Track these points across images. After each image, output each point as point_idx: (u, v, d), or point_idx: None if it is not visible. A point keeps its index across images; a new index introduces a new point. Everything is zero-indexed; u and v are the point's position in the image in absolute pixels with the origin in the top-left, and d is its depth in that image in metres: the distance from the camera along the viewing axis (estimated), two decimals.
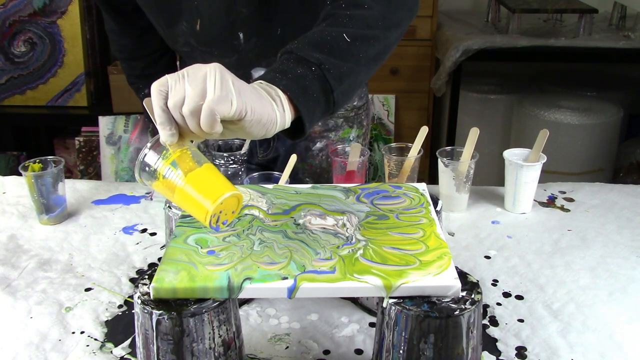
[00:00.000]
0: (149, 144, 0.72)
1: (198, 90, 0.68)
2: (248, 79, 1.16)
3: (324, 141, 1.29)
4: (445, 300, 0.68)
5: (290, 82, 0.78)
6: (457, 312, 0.66)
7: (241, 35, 1.09)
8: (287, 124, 0.78)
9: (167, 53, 1.32)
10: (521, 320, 0.90)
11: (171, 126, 0.70)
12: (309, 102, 0.79)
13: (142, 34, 1.26)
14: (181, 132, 0.71)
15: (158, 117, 0.70)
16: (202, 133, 0.70)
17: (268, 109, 0.74)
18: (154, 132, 2.50)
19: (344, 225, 0.81)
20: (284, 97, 0.77)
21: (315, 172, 1.30)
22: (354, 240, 0.77)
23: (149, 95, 1.41)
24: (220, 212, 0.71)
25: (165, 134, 0.70)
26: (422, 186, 0.92)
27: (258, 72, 1.14)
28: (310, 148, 1.29)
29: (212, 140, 1.32)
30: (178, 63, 1.36)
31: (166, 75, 0.70)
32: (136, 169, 0.73)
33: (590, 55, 2.39)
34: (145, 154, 0.72)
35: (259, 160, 1.32)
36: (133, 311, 0.77)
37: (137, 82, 1.34)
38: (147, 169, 0.72)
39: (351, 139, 1.31)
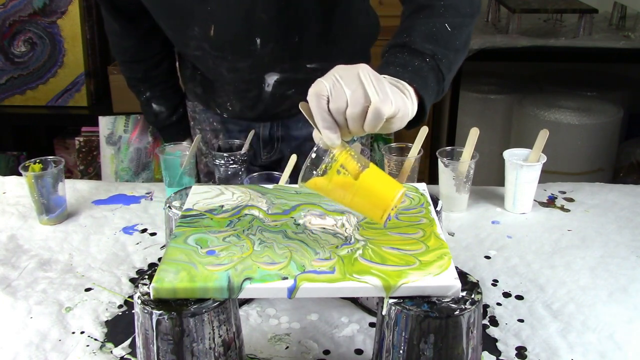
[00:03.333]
0: (315, 148, 0.74)
1: (360, 93, 0.70)
2: (262, 83, 1.17)
3: None
4: (445, 300, 0.68)
5: (413, 75, 0.82)
6: (457, 312, 0.66)
7: (258, 40, 1.09)
8: (413, 116, 0.81)
9: (168, 56, 1.32)
10: (521, 320, 0.90)
11: (336, 129, 0.72)
12: (428, 91, 0.83)
13: (144, 36, 1.25)
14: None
15: (323, 121, 0.71)
16: (360, 132, 0.73)
17: (407, 103, 0.77)
18: (154, 132, 2.50)
19: (343, 225, 0.81)
20: (411, 90, 0.80)
21: None
22: (352, 240, 0.77)
23: (150, 98, 1.41)
24: (392, 208, 0.73)
25: (332, 137, 0.72)
26: (422, 186, 0.92)
27: (271, 77, 1.15)
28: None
29: (214, 142, 1.33)
30: (178, 65, 1.35)
31: (320, 79, 0.72)
32: (303, 173, 0.74)
33: (590, 55, 2.39)
34: (313, 158, 0.74)
35: (262, 162, 1.32)
36: (133, 311, 0.77)
37: (138, 85, 1.33)
38: (314, 172, 0.74)
39: (355, 139, 1.31)
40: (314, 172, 0.73)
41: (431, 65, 0.85)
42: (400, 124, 0.77)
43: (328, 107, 0.71)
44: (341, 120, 0.72)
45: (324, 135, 0.72)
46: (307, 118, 0.73)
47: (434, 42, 0.86)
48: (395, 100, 0.73)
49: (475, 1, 0.94)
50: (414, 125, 0.85)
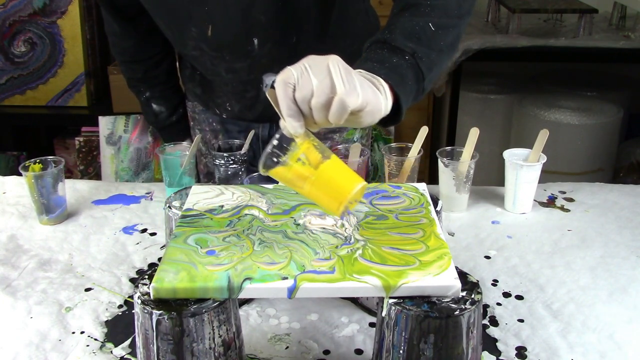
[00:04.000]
0: (277, 135, 0.73)
1: (326, 83, 0.70)
2: (259, 83, 1.16)
3: (329, 142, 1.29)
4: (445, 300, 0.68)
5: (389, 72, 0.81)
6: (457, 312, 0.66)
7: (256, 41, 1.09)
8: (387, 112, 0.80)
9: (168, 56, 1.32)
10: (521, 320, 0.90)
11: (300, 118, 0.72)
12: (405, 89, 0.82)
13: (144, 36, 1.26)
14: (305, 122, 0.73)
15: (287, 109, 0.71)
16: (326, 124, 0.72)
17: (379, 99, 0.77)
18: (154, 132, 2.50)
19: (343, 225, 0.81)
20: (386, 86, 0.79)
21: None
22: (352, 240, 0.77)
23: (150, 98, 1.42)
24: (350, 202, 0.73)
25: (295, 125, 0.72)
26: (422, 186, 0.92)
27: (269, 77, 1.15)
28: None
29: (214, 142, 1.33)
30: (178, 65, 1.35)
31: (289, 67, 0.72)
32: (262, 159, 0.74)
33: (590, 55, 2.39)
34: (274, 145, 0.73)
35: None
36: (133, 311, 0.77)
37: (138, 85, 1.33)
38: (274, 159, 0.73)
39: (355, 139, 1.31)
40: (274, 160, 0.73)
41: (410, 63, 0.84)
42: (371, 118, 0.76)
43: (294, 95, 0.71)
44: (306, 109, 0.71)
45: (287, 123, 0.72)
46: (273, 105, 0.73)
47: (416, 40, 0.86)
48: (364, 94, 0.72)
49: (464, 4, 0.93)
50: (391, 123, 0.84)
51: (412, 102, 0.86)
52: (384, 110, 0.78)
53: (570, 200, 1.26)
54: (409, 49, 0.84)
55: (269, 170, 0.74)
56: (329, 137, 1.29)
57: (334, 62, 0.71)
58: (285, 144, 0.73)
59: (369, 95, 0.74)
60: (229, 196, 0.89)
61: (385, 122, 0.83)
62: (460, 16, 0.92)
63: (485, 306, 0.93)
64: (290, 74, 0.71)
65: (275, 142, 0.73)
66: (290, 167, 0.73)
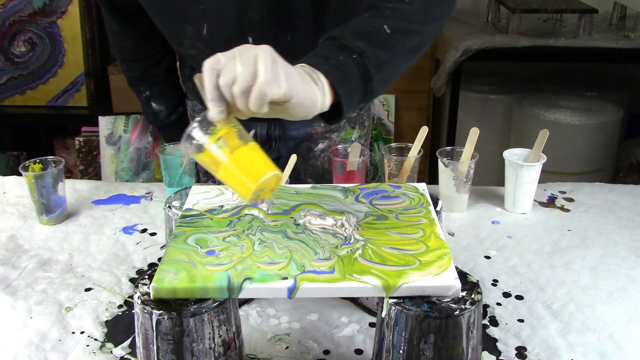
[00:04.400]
0: (198, 118, 0.75)
1: (250, 71, 0.70)
2: None
3: (327, 142, 1.29)
4: (445, 300, 0.68)
5: (332, 68, 0.81)
6: (457, 312, 0.66)
7: (250, 39, 1.09)
8: (326, 108, 0.80)
9: (168, 55, 1.32)
10: (521, 320, 0.90)
11: (221, 103, 0.73)
12: (348, 88, 0.82)
13: (144, 36, 1.26)
14: (229, 109, 0.74)
15: (210, 93, 0.72)
16: (249, 112, 0.73)
17: (311, 92, 0.77)
18: (154, 132, 2.50)
19: (343, 225, 0.81)
20: (325, 82, 0.79)
21: (318, 172, 1.30)
22: (352, 240, 0.77)
23: (150, 97, 1.42)
24: (261, 190, 0.74)
25: (215, 111, 0.73)
26: (422, 186, 0.92)
27: None
28: (313, 149, 1.29)
29: None
30: (178, 64, 1.35)
31: (219, 53, 0.73)
32: (182, 140, 0.75)
33: (590, 55, 2.39)
34: (194, 127, 0.74)
35: None
36: (133, 311, 0.77)
37: (138, 84, 1.34)
38: (193, 142, 0.75)
39: (353, 139, 1.31)
40: (193, 141, 0.75)
41: (357, 62, 0.83)
42: (304, 112, 0.76)
43: (218, 81, 0.72)
44: (228, 95, 0.72)
45: (209, 108, 0.73)
46: (200, 90, 0.74)
47: (367, 40, 0.85)
48: (289, 85, 0.72)
49: (432, 11, 0.92)
50: (334, 120, 0.84)
51: (359, 102, 0.86)
52: (320, 106, 0.79)
53: (570, 200, 1.26)
54: (357, 47, 0.84)
55: (187, 150, 0.76)
56: (327, 137, 1.29)
57: (263, 52, 0.72)
58: (205, 127, 0.74)
59: (297, 88, 0.74)
60: (229, 196, 0.89)
61: (329, 119, 0.84)
62: (426, 22, 0.91)
63: (485, 306, 0.93)
64: (217, 59, 0.72)
65: (195, 124, 0.74)
66: (207, 150, 0.74)
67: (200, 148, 0.74)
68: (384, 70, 0.87)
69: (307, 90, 0.76)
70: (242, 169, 0.73)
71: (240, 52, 0.72)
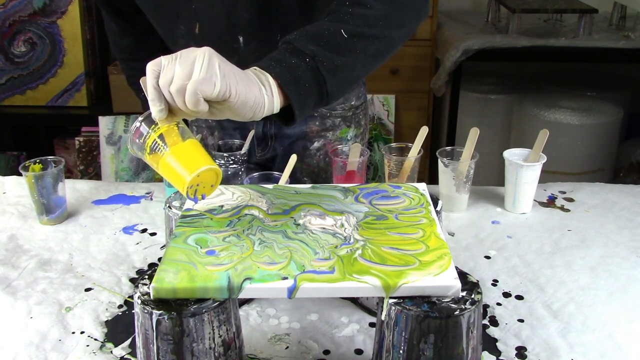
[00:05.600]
0: (140, 118, 0.78)
1: (186, 71, 0.73)
2: None
3: (322, 141, 1.29)
4: (445, 300, 0.68)
5: (282, 71, 0.82)
6: (457, 312, 0.66)
7: (241, 38, 1.09)
8: (276, 109, 0.82)
9: (167, 53, 1.32)
10: (521, 320, 0.90)
11: (160, 102, 0.75)
12: (300, 90, 0.83)
13: (142, 35, 1.26)
14: (172, 109, 0.77)
15: (149, 93, 0.75)
16: (189, 111, 0.75)
17: (254, 92, 0.78)
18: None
19: (342, 225, 0.81)
20: (274, 84, 0.81)
21: (314, 171, 1.30)
22: (352, 240, 0.77)
23: None
24: (198, 184, 0.77)
25: (155, 110, 0.76)
26: (422, 186, 0.92)
27: None
28: (308, 148, 1.29)
29: (211, 140, 1.33)
30: None
31: (161, 56, 0.76)
32: (128, 139, 0.79)
33: (590, 55, 2.39)
34: (137, 127, 0.78)
35: (257, 159, 1.32)
36: (133, 311, 0.78)
37: (137, 83, 1.34)
38: (137, 140, 0.78)
39: (349, 138, 1.31)
40: (136, 140, 0.78)
41: (310, 65, 0.84)
42: (247, 111, 0.78)
43: (157, 81, 0.75)
44: (167, 94, 0.75)
45: (150, 107, 0.76)
46: (144, 91, 0.77)
47: (321, 44, 0.86)
48: (227, 84, 0.74)
49: (395, 16, 0.92)
50: (289, 122, 0.86)
51: (316, 105, 0.87)
52: (268, 107, 0.80)
53: (570, 200, 1.26)
54: (310, 51, 0.85)
55: (132, 149, 0.79)
56: (322, 136, 1.29)
57: (202, 53, 0.74)
58: (147, 125, 0.77)
59: (236, 87, 0.75)
60: (229, 196, 0.89)
61: (285, 120, 0.86)
62: (388, 27, 0.91)
63: (485, 306, 0.93)
64: (159, 62, 0.75)
65: (137, 123, 0.78)
66: (148, 147, 0.77)
67: (142, 146, 0.77)
68: (340, 74, 0.87)
69: (250, 90, 0.77)
70: (179, 162, 0.76)
71: (181, 54, 0.75)
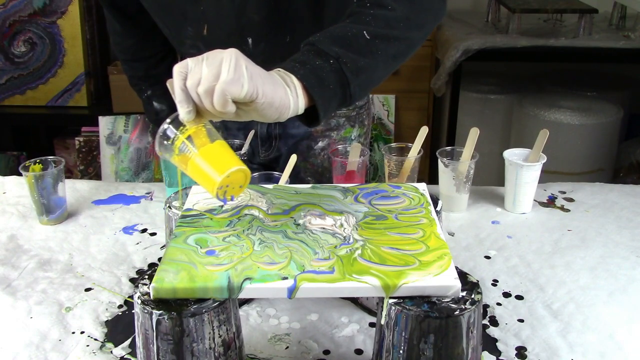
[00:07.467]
0: (168, 120, 0.78)
1: (213, 72, 0.73)
2: None
3: (326, 140, 1.29)
4: (445, 300, 0.68)
5: (307, 72, 0.83)
6: (457, 312, 0.66)
7: (250, 40, 1.09)
8: (301, 110, 0.83)
9: (170, 54, 1.32)
10: (521, 320, 0.90)
11: (188, 104, 0.76)
12: (324, 92, 0.84)
13: (145, 35, 1.26)
14: (199, 110, 0.77)
15: (177, 95, 0.75)
16: (217, 112, 0.75)
17: (280, 94, 0.78)
18: (154, 132, 2.51)
19: (342, 225, 0.81)
20: (299, 85, 0.81)
21: (317, 171, 1.30)
22: (351, 240, 0.77)
23: (151, 96, 1.42)
24: (227, 185, 0.76)
25: (183, 112, 0.76)
26: (422, 186, 0.92)
27: None
28: (312, 147, 1.29)
29: None
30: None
31: (188, 58, 0.76)
32: (156, 141, 0.78)
33: (590, 55, 2.39)
34: (165, 129, 0.77)
35: (261, 159, 1.32)
36: (133, 311, 0.78)
37: (139, 84, 1.34)
38: (165, 142, 0.78)
39: (353, 138, 1.31)
40: (164, 142, 0.78)
41: (334, 67, 0.85)
42: (273, 112, 0.78)
43: (185, 83, 0.75)
44: (195, 96, 0.75)
45: (178, 109, 0.76)
46: (171, 93, 0.77)
47: (345, 45, 0.86)
48: (254, 85, 0.74)
49: (416, 18, 0.92)
50: (313, 123, 0.86)
51: (340, 106, 0.88)
52: (293, 108, 0.81)
53: (570, 200, 1.26)
54: (334, 52, 0.85)
55: (160, 151, 0.79)
56: (327, 135, 1.29)
57: (228, 54, 0.74)
58: (175, 127, 0.77)
59: (263, 89, 0.76)
60: None
61: (309, 122, 0.86)
62: (408, 28, 0.92)
63: (485, 306, 0.93)
64: (185, 64, 0.76)
65: (166, 125, 0.77)
66: (176, 148, 0.77)
67: (170, 147, 0.77)
68: (362, 75, 0.88)
69: (276, 92, 0.78)
70: (208, 164, 0.75)
71: (207, 56, 0.75)
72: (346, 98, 0.87)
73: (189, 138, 0.76)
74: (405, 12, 0.92)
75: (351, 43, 0.87)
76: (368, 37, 0.88)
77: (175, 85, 0.76)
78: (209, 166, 0.75)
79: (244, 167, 0.76)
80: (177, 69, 0.76)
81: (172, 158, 0.78)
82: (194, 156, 0.76)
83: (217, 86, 0.73)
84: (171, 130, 0.77)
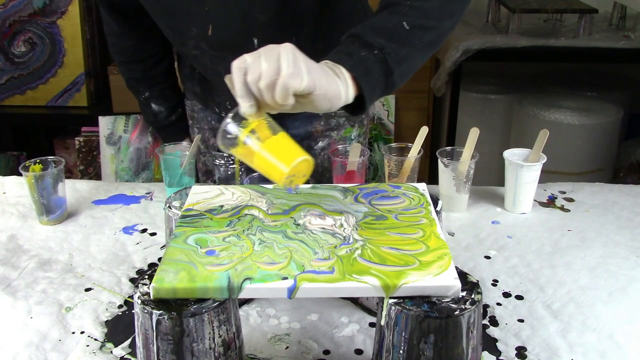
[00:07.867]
0: (230, 114, 0.80)
1: (273, 67, 0.76)
2: None
3: (326, 140, 1.29)
4: (445, 300, 0.68)
5: (354, 63, 0.86)
6: (457, 312, 0.66)
7: (256, 41, 1.09)
8: (350, 100, 0.86)
9: (167, 55, 1.32)
10: (521, 320, 0.90)
11: (250, 98, 0.79)
12: (370, 81, 0.87)
13: (143, 36, 1.26)
14: (258, 104, 0.80)
15: (239, 90, 0.78)
16: (276, 105, 0.78)
17: (334, 85, 0.82)
18: (154, 132, 2.51)
19: (342, 225, 0.81)
20: (348, 76, 0.85)
21: (317, 171, 1.31)
22: (351, 240, 0.77)
23: (149, 98, 1.42)
24: (294, 175, 0.79)
25: (245, 106, 0.79)
26: (422, 186, 0.92)
27: None
28: (313, 147, 1.29)
29: (213, 141, 1.33)
30: (176, 65, 1.35)
31: (245, 54, 0.79)
32: (218, 136, 0.81)
33: (590, 55, 2.39)
34: (228, 123, 0.80)
35: None
36: (133, 311, 0.78)
37: (137, 85, 1.34)
38: (228, 136, 0.80)
39: (352, 137, 1.31)
40: (227, 137, 0.80)
41: (379, 57, 0.88)
42: (328, 104, 0.82)
43: (245, 78, 0.78)
44: (256, 90, 0.78)
45: (239, 103, 0.79)
46: (230, 89, 0.80)
47: (387, 36, 0.89)
48: (311, 78, 0.77)
49: (448, 7, 0.95)
50: (357, 112, 0.90)
51: (381, 94, 0.91)
52: (344, 98, 0.84)
53: (570, 200, 1.26)
54: (378, 44, 0.88)
55: (223, 145, 0.81)
56: (327, 135, 1.29)
57: (285, 49, 0.77)
58: (238, 122, 0.80)
59: (319, 81, 0.79)
60: (229, 196, 0.89)
61: (352, 110, 0.90)
62: (442, 18, 0.95)
63: (485, 306, 0.93)
64: (244, 59, 0.78)
65: (229, 120, 0.80)
66: (241, 142, 0.80)
67: (234, 141, 0.80)
68: (404, 64, 0.91)
69: (330, 83, 0.81)
70: (274, 155, 0.79)
71: (264, 51, 0.77)
72: (388, 86, 0.90)
73: (252, 131, 0.79)
74: (439, 2, 0.95)
75: (392, 34, 0.90)
76: (407, 28, 0.91)
77: (235, 81, 0.78)
78: (275, 158, 0.79)
79: (309, 157, 0.80)
80: (236, 64, 0.78)
81: (236, 151, 0.81)
82: (259, 149, 0.79)
83: (280, 80, 0.76)
84: (233, 125, 0.80)
